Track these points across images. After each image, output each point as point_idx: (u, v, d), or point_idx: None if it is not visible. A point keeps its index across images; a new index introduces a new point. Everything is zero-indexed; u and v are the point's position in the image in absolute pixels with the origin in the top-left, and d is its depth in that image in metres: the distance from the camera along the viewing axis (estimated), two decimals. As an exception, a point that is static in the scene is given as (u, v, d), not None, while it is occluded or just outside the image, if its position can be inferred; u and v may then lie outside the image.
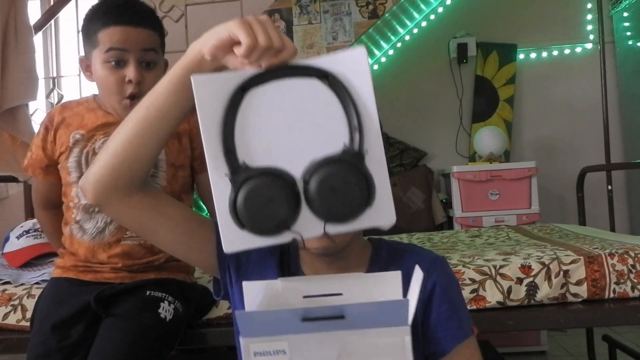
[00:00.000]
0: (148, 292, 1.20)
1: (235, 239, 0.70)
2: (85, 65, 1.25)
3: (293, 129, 0.71)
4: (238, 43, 0.69)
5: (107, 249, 1.24)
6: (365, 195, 0.68)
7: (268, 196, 0.67)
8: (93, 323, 1.17)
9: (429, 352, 0.88)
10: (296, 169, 0.69)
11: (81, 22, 1.24)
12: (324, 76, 0.71)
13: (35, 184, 1.39)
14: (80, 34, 1.25)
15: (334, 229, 0.70)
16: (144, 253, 1.24)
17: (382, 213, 0.70)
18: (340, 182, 0.68)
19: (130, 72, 1.17)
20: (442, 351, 0.87)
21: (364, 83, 0.71)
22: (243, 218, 0.68)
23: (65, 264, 1.28)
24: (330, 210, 0.68)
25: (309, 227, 0.69)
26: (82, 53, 1.27)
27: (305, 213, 0.69)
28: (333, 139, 0.70)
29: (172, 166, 1.26)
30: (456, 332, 0.87)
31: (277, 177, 0.68)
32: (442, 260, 0.93)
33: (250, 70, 0.70)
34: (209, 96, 0.70)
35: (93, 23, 1.20)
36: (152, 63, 1.20)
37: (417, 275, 0.67)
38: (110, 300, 1.18)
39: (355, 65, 0.71)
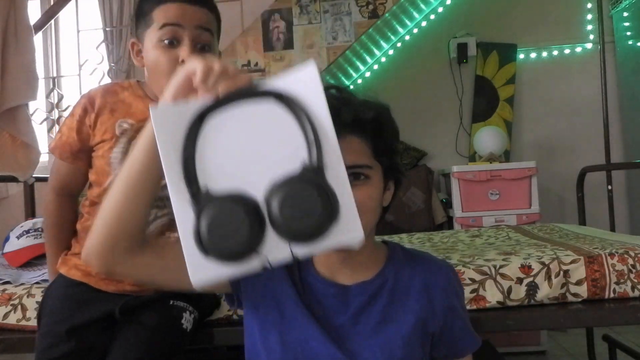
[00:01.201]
0: (172, 302, 1.18)
1: (201, 269, 0.68)
2: (137, 50, 1.19)
3: (253, 152, 0.70)
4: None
5: None
6: (328, 210, 0.66)
7: (230, 221, 0.66)
8: (108, 327, 1.15)
9: (442, 354, 0.94)
10: (258, 191, 0.68)
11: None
12: (279, 97, 0.71)
13: (56, 166, 1.27)
14: (133, 18, 1.20)
15: (302, 250, 0.68)
16: None
17: (348, 228, 0.68)
18: (300, 199, 0.66)
19: (183, 51, 1.11)
20: (456, 354, 0.95)
21: (317, 99, 0.71)
22: (207, 245, 0.67)
23: (88, 268, 1.20)
24: (294, 230, 0.66)
25: (275, 250, 0.68)
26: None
27: (271, 236, 0.68)
28: (293, 157, 0.69)
29: None
30: (473, 339, 0.95)
31: (238, 202, 0.67)
32: (454, 269, 0.99)
33: (207, 97, 0.71)
34: (168, 126, 0.70)
35: (148, 2, 1.16)
36: (207, 46, 1.14)
37: None
38: (134, 310, 1.16)
39: (307, 82, 0.71)
